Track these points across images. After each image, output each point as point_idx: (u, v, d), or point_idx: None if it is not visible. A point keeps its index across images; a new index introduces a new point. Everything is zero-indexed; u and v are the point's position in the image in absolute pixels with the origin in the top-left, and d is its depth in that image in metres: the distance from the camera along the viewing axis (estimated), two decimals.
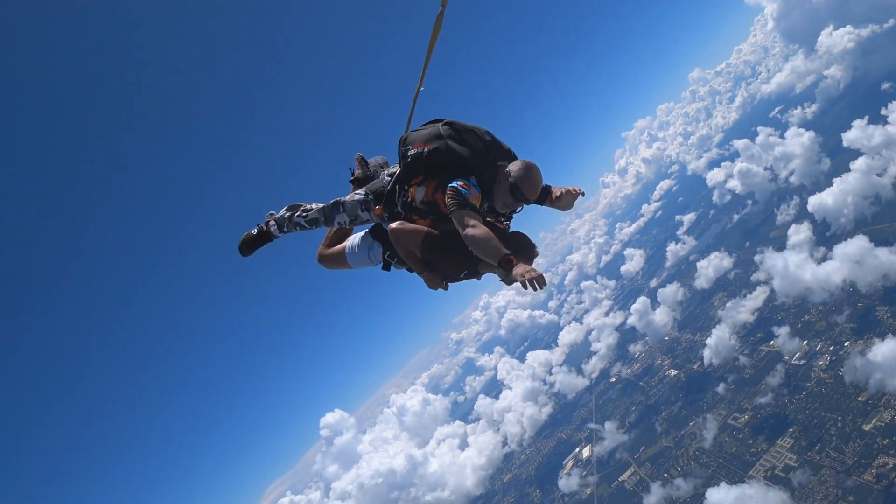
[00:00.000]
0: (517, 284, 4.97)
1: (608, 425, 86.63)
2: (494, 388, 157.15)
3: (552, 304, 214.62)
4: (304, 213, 5.99)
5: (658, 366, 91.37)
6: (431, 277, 5.49)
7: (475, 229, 4.89)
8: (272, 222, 6.18)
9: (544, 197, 5.78)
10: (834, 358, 59.99)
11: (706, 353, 78.35)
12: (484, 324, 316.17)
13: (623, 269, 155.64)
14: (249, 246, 6.24)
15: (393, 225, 5.44)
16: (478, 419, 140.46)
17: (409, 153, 5.39)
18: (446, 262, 5.41)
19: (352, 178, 6.49)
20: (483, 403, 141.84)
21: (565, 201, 5.83)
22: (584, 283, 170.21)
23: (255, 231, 6.25)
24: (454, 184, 5.11)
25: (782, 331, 69.39)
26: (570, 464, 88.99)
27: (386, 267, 5.95)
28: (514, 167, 5.24)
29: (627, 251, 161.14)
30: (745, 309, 79.90)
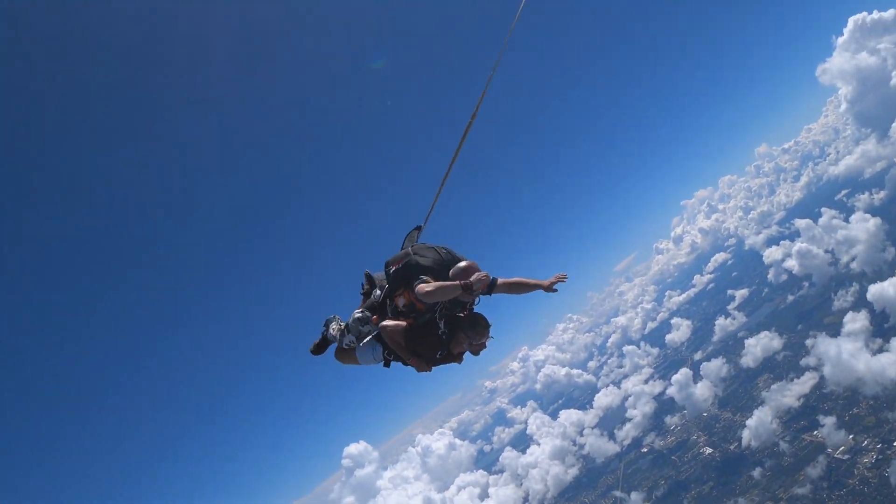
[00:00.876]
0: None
1: (634, 496, 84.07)
2: (523, 441, 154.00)
3: (591, 364, 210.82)
4: (330, 332, 7.67)
5: (693, 441, 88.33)
6: (418, 362, 6.66)
7: (428, 285, 6.36)
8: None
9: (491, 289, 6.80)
10: (881, 457, 57.06)
11: (745, 434, 75.59)
12: (520, 376, 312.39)
13: (668, 337, 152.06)
14: (318, 349, 8.00)
15: (382, 323, 6.85)
16: (502, 471, 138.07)
17: (391, 271, 6.98)
18: (424, 345, 6.63)
19: (362, 291, 7.84)
20: (509, 456, 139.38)
21: (514, 290, 6.96)
22: (626, 348, 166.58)
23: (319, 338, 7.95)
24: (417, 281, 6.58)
25: (828, 421, 66.60)
26: None
27: (387, 364, 7.10)
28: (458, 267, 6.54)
29: (675, 320, 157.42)
30: (790, 393, 76.85)
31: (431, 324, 6.66)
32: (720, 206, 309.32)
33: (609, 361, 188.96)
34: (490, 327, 6.58)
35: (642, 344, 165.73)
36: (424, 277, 6.55)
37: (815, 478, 60.06)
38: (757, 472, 67.89)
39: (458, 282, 6.23)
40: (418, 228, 7.94)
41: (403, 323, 6.74)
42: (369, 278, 7.81)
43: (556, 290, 6.84)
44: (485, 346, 6.57)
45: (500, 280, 6.72)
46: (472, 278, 6.21)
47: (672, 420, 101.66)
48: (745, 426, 76.79)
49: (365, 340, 7.35)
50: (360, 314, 7.34)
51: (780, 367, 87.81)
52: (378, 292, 7.36)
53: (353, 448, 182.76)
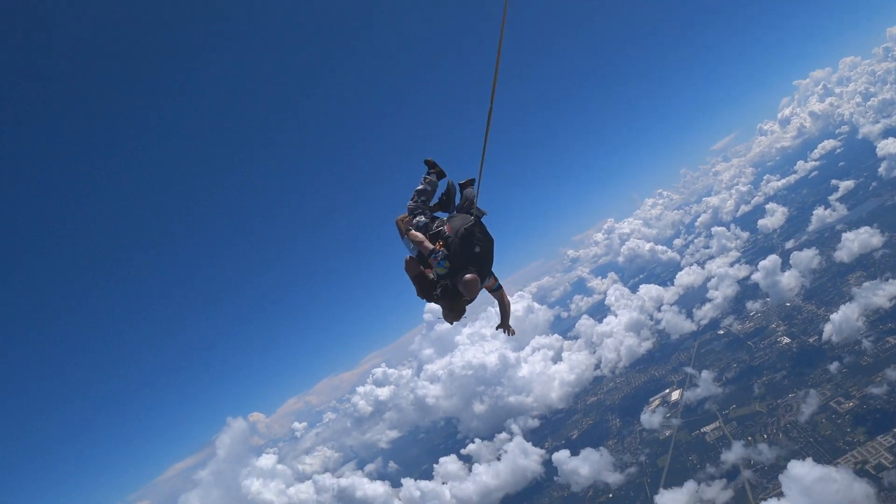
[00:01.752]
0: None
1: (705, 374, 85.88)
2: (600, 311, 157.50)
3: (677, 242, 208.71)
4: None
5: (772, 329, 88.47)
6: (419, 287, 7.65)
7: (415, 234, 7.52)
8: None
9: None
10: None
11: (827, 328, 74.90)
12: (603, 247, 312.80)
13: (761, 223, 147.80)
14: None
15: (412, 232, 7.63)
16: (576, 337, 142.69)
17: (441, 229, 7.69)
18: (426, 284, 7.52)
19: (440, 197, 8.60)
20: (585, 324, 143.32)
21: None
22: (715, 229, 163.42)
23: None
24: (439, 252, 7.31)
25: None
26: (656, 402, 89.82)
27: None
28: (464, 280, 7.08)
29: (770, 206, 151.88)
30: (883, 294, 74.68)
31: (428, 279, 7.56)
32: (837, 90, 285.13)
33: (696, 241, 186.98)
34: (464, 312, 7.47)
35: (732, 226, 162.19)
36: (440, 253, 7.28)
37: (893, 380, 59.76)
38: (833, 367, 67.84)
39: (463, 298, 7.18)
40: (471, 182, 8.37)
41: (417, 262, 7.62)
42: (449, 191, 8.54)
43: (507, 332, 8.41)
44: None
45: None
46: (470, 296, 7.11)
47: (753, 306, 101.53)
48: (828, 320, 75.78)
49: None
50: (425, 220, 7.95)
51: (875, 266, 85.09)
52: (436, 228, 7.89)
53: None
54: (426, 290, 7.49)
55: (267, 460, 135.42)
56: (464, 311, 7.45)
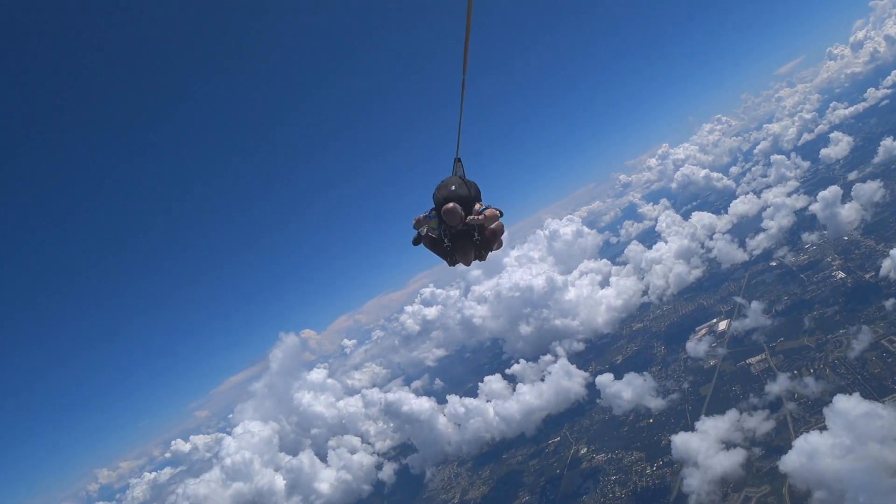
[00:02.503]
0: None
1: (754, 305, 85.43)
2: (650, 238, 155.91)
3: (734, 170, 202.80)
4: None
5: (827, 263, 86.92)
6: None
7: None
8: None
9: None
10: None
11: (885, 264, 73.15)
12: (656, 173, 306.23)
13: (823, 152, 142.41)
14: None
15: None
16: (625, 263, 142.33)
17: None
18: (436, 249, 8.24)
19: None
20: (634, 249, 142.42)
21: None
22: (774, 157, 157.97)
23: None
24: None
25: None
26: (703, 331, 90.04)
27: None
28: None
29: (834, 134, 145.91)
30: None
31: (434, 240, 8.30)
32: None
33: (753, 169, 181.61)
34: (481, 252, 8.27)
35: (793, 155, 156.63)
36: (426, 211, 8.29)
37: None
38: (889, 304, 66.59)
39: (470, 239, 8.03)
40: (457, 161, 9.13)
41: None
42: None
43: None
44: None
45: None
46: (452, 223, 7.78)
47: (809, 238, 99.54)
48: (887, 256, 73.77)
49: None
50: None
51: None
52: None
53: None
54: (442, 251, 8.24)
55: (317, 374, 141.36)
56: (476, 249, 8.21)
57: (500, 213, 8.23)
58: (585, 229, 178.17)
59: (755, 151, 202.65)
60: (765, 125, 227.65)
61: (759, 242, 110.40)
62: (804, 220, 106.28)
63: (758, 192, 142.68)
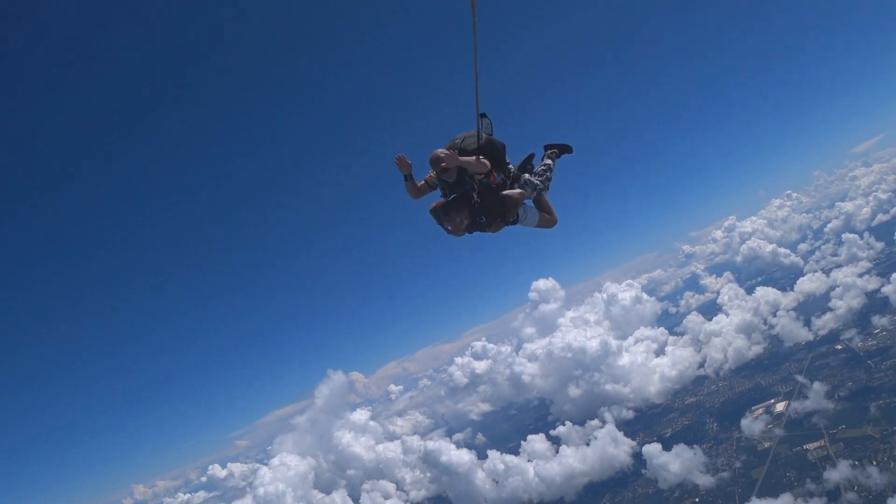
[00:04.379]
0: None
1: (816, 386, 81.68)
2: (711, 310, 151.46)
3: (802, 247, 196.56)
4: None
5: None
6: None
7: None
8: None
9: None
10: None
11: None
12: (722, 245, 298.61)
13: None
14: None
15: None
16: (683, 333, 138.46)
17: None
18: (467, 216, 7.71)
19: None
20: (694, 320, 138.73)
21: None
22: (846, 235, 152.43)
23: None
24: None
25: None
26: (759, 411, 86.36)
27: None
28: None
29: None
30: None
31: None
32: None
33: (823, 247, 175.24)
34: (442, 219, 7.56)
35: (866, 235, 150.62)
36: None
37: None
38: None
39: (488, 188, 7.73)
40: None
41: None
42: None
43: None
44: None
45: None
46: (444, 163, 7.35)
47: (880, 321, 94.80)
48: None
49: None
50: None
51: None
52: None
53: (542, 283, 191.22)
54: (471, 214, 7.60)
55: (360, 416, 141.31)
56: (477, 214, 7.56)
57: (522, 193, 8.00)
58: (645, 296, 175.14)
59: (826, 229, 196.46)
60: (837, 203, 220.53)
61: (825, 323, 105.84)
62: (875, 303, 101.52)
63: (827, 271, 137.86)
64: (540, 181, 8.59)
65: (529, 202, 8.53)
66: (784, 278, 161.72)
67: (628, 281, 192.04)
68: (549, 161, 8.96)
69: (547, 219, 8.68)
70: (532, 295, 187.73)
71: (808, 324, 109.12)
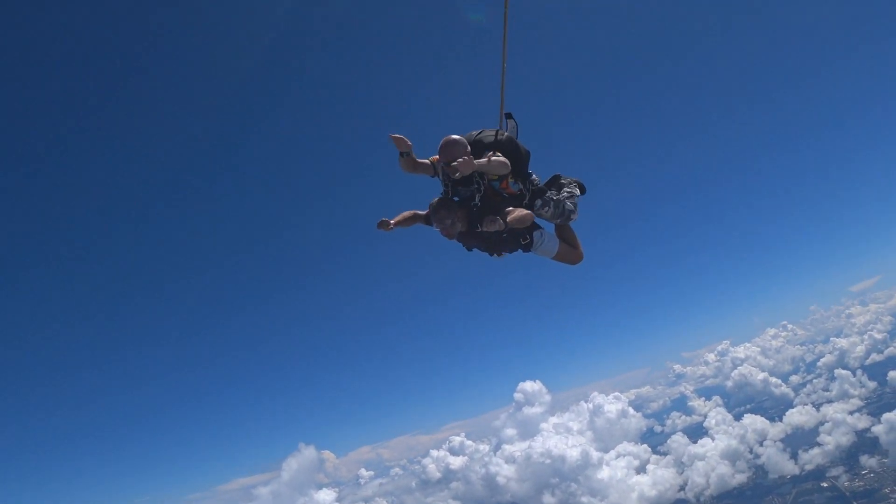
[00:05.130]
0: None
1: None
2: (697, 433, 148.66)
3: (794, 378, 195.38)
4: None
5: (885, 494, 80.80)
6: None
7: None
8: None
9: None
10: None
11: None
12: (713, 369, 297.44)
13: (891, 374, 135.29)
14: None
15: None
16: (666, 453, 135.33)
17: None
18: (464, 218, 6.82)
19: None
20: (679, 441, 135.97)
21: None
22: (839, 371, 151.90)
23: None
24: None
25: None
26: None
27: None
28: None
29: None
30: None
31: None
32: None
33: (815, 381, 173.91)
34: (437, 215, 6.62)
35: (859, 372, 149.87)
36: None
37: None
38: None
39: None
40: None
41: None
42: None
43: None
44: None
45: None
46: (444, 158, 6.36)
47: (868, 462, 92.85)
48: None
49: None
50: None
51: None
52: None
53: (529, 385, 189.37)
54: (467, 218, 6.71)
55: (326, 495, 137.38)
56: (479, 222, 6.43)
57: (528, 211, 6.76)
58: (631, 410, 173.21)
59: (819, 364, 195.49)
60: (832, 338, 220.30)
61: (812, 457, 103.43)
62: (865, 442, 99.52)
63: (817, 406, 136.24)
64: (570, 203, 7.33)
65: (550, 228, 7.52)
66: (773, 408, 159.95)
67: (616, 393, 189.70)
68: (577, 190, 7.56)
69: (568, 252, 7.55)
70: (517, 396, 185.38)
71: (794, 457, 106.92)
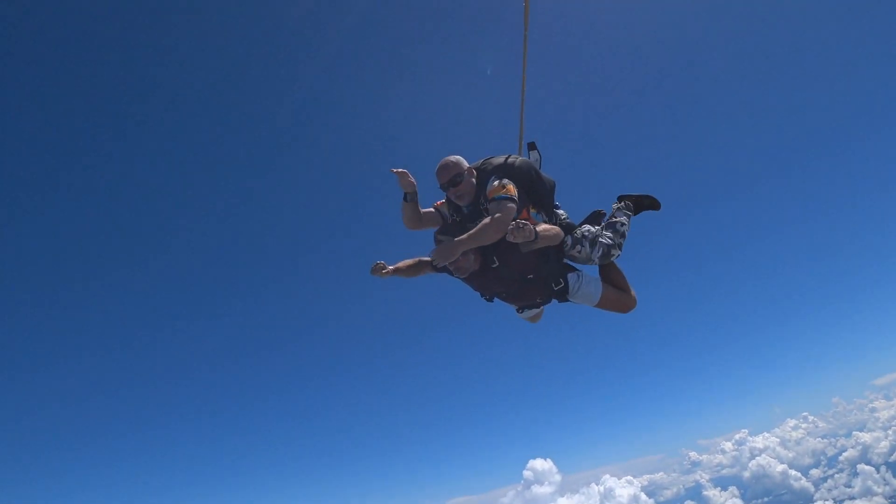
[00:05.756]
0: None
1: None
2: None
3: (815, 472, 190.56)
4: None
5: None
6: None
7: None
8: None
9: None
10: None
11: None
12: (730, 458, 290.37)
13: None
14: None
15: None
16: None
17: None
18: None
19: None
20: None
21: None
22: (861, 467, 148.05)
23: None
24: None
25: None
26: None
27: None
28: None
29: None
30: None
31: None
32: None
33: (836, 476, 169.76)
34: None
35: (882, 469, 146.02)
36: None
37: None
38: None
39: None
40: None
41: None
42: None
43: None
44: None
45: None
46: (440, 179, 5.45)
47: None
48: None
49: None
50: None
51: None
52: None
53: (539, 463, 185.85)
54: (480, 252, 5.29)
55: None
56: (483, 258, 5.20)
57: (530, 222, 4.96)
58: (643, 496, 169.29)
59: (841, 458, 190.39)
60: (854, 432, 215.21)
61: None
62: None
63: (839, 502, 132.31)
64: (611, 236, 5.75)
65: (593, 271, 5.88)
66: (793, 502, 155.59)
67: (629, 478, 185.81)
68: (624, 218, 5.99)
69: (616, 297, 5.79)
70: (527, 473, 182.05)
71: None
